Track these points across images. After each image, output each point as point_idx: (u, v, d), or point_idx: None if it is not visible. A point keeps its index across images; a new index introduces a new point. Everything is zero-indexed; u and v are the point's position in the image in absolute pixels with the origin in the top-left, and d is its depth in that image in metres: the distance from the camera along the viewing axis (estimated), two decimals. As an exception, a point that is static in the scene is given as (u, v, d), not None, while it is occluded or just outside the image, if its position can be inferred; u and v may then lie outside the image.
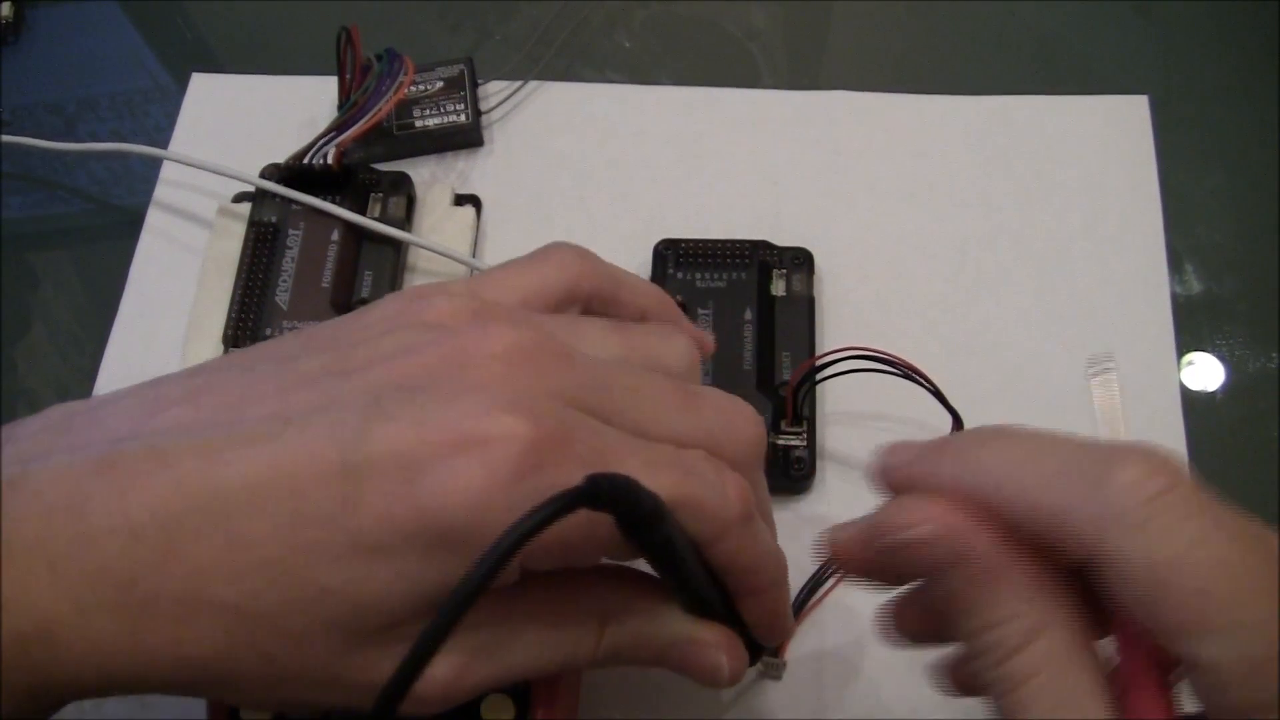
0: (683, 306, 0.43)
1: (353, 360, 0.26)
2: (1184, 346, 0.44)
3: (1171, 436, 0.42)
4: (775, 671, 0.37)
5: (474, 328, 0.26)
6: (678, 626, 0.29)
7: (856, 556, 0.26)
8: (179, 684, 0.24)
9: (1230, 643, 0.21)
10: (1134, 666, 0.23)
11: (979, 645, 0.23)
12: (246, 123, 0.50)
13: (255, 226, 0.45)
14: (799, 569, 0.39)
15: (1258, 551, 0.21)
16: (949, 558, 0.23)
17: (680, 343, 0.30)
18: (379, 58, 0.47)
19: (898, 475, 0.26)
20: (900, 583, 0.28)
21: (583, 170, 0.49)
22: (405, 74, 0.46)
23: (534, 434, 0.23)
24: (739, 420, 0.29)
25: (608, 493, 0.23)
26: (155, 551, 0.23)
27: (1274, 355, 0.44)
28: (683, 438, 0.27)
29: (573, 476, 0.22)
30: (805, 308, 0.43)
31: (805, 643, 0.38)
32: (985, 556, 0.23)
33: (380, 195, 0.46)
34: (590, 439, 0.25)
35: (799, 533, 0.40)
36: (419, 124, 0.49)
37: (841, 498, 0.41)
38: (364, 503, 0.23)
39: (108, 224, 0.50)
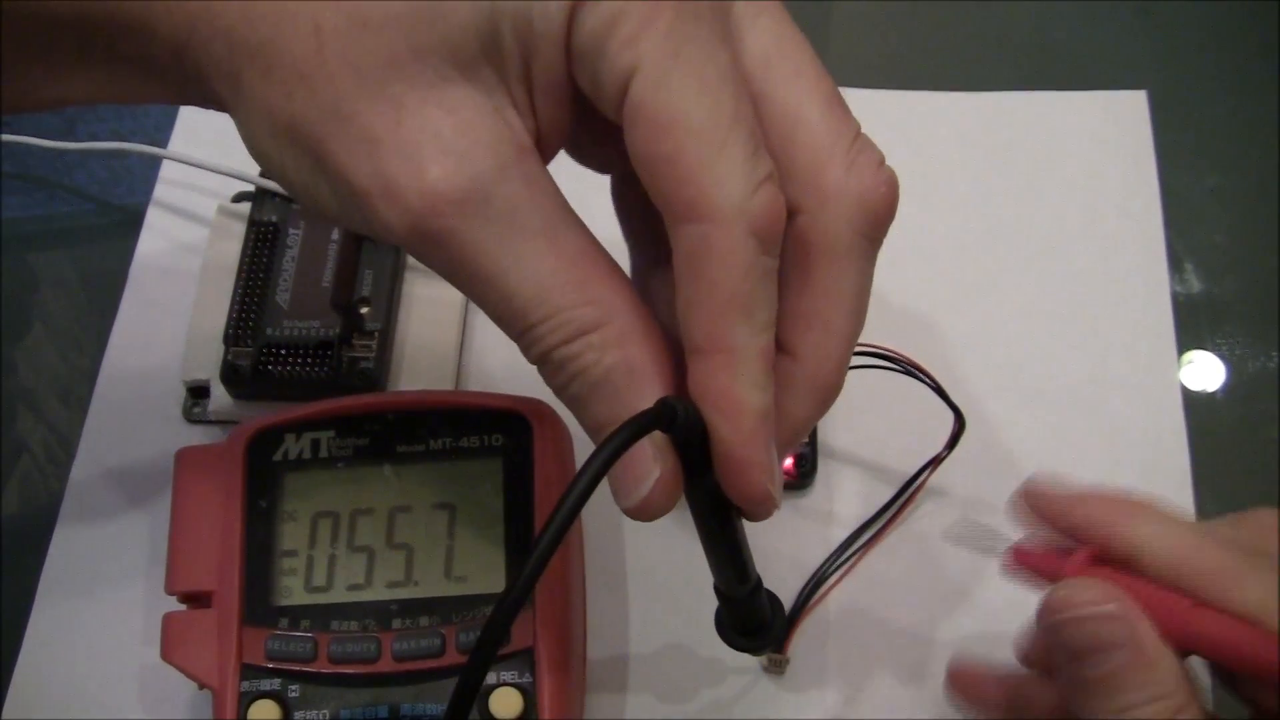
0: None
1: None
2: (1184, 345, 0.44)
3: (1172, 435, 0.42)
4: (778, 668, 0.37)
5: None
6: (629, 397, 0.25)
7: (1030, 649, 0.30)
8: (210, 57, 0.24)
9: None
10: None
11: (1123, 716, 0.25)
12: (246, 122, 0.50)
13: (255, 226, 0.45)
14: (801, 566, 0.39)
15: None
16: (1118, 638, 0.25)
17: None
18: (379, 57, 0.47)
19: (1052, 508, 0.29)
20: (1027, 664, 0.31)
21: (582, 168, 0.48)
22: (405, 73, 0.46)
23: None
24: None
25: (683, 418, 0.23)
26: None
27: (1274, 354, 0.44)
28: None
29: None
30: (806, 306, 0.43)
31: (808, 640, 0.38)
32: (1151, 639, 0.25)
33: (380, 194, 0.46)
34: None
35: (800, 529, 0.40)
36: (419, 123, 0.48)
37: (843, 494, 0.41)
38: None
39: (107, 224, 0.50)
